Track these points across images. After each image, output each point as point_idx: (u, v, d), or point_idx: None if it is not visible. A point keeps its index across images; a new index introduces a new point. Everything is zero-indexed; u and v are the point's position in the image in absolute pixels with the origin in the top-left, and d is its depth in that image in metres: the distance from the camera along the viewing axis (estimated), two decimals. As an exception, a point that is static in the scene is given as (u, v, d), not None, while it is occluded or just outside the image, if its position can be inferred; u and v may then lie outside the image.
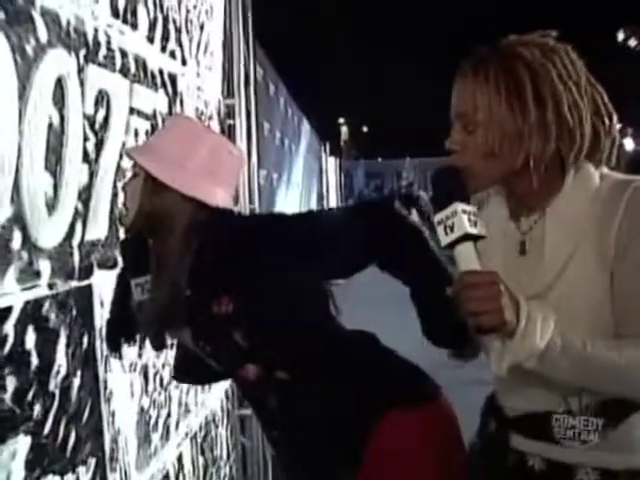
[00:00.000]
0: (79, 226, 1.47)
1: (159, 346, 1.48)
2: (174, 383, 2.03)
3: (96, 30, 1.52)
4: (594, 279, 1.02)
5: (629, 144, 15.89)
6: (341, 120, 34.48)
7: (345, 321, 1.41)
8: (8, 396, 1.21)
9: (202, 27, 2.45)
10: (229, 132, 3.06)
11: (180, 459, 2.15)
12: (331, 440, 1.33)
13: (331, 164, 15.02)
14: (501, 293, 0.95)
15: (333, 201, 14.91)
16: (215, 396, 2.61)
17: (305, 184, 9.40)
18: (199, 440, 2.40)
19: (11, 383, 1.21)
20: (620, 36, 17.48)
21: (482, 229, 0.98)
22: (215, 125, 2.72)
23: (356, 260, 1.33)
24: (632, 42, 17.28)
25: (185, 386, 2.16)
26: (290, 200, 7.20)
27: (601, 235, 1.02)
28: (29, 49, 1.26)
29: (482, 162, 1.06)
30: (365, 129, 36.44)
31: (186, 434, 2.22)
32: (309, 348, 1.32)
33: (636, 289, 1.00)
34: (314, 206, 10.97)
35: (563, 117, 1.02)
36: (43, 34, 1.31)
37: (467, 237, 0.97)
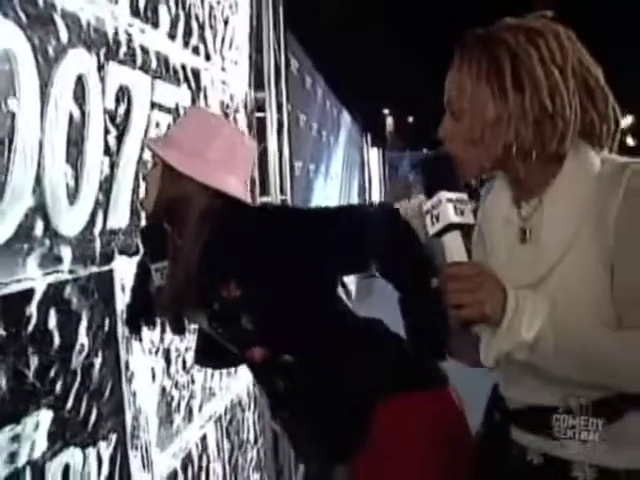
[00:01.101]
0: (100, 215, 1.56)
1: (179, 330, 1.55)
2: (197, 366, 2.12)
3: (116, 29, 1.60)
4: (594, 267, 0.99)
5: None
6: (386, 111, 34.20)
7: (366, 312, 1.44)
8: (31, 372, 1.30)
9: (226, 22, 2.51)
10: (258, 124, 3.12)
11: (204, 440, 2.24)
12: (335, 422, 1.38)
13: (373, 155, 14.96)
14: (482, 285, 0.93)
15: (376, 192, 14.86)
16: (241, 381, 2.70)
17: (345, 176, 9.40)
18: (224, 423, 2.48)
19: (34, 360, 1.31)
20: None
21: (470, 217, 0.96)
22: (242, 117, 2.79)
23: (355, 261, 1.37)
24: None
25: (209, 370, 2.24)
26: (329, 191, 7.24)
27: (601, 221, 0.98)
28: (50, 50, 1.35)
29: (468, 150, 1.04)
30: (411, 119, 36.02)
31: (210, 417, 2.31)
32: (314, 334, 1.37)
33: (637, 280, 0.97)
34: (355, 197, 10.98)
35: (542, 102, 0.99)
36: (64, 35, 1.39)
37: (453, 226, 0.95)
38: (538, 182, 1.05)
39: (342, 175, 8.90)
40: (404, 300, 1.34)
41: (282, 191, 3.52)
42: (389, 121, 35.13)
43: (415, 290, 1.31)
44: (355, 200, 10.94)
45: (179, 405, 2.02)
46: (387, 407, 1.33)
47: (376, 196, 14.68)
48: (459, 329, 1.04)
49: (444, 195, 0.96)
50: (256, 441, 2.95)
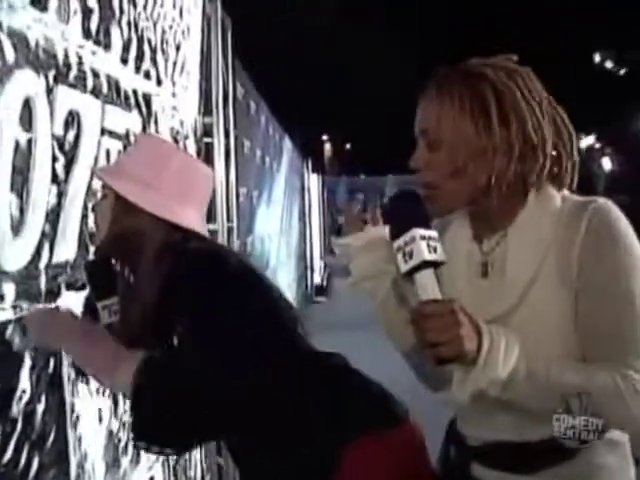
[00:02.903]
0: (46, 248, 1.45)
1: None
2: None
3: (66, 51, 1.51)
4: (557, 300, 1.02)
5: (607, 164, 16.19)
6: (325, 137, 34.69)
7: (325, 343, 1.39)
8: (-33, 423, 1.18)
9: (178, 47, 2.45)
10: (206, 150, 3.06)
11: (151, 483, 2.12)
12: (299, 464, 1.31)
13: (314, 181, 15.04)
14: (459, 323, 0.92)
15: (315, 218, 14.92)
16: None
17: (287, 202, 9.38)
18: (172, 463, 2.36)
19: (-30, 409, 1.19)
20: (597, 58, 17.92)
21: (442, 254, 0.95)
22: (191, 144, 2.72)
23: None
24: (608, 64, 17.73)
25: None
26: (271, 217, 7.19)
27: (563, 256, 1.02)
28: (-5, 70, 1.25)
29: (448, 181, 1.05)
30: (348, 146, 36.67)
31: (157, 457, 2.18)
32: (270, 376, 1.30)
33: (600, 313, 1.00)
34: (295, 223, 10.96)
35: (527, 136, 1.02)
36: (10, 55, 1.30)
37: (426, 264, 0.93)
38: (502, 217, 1.08)
39: (284, 201, 8.88)
40: None
41: (229, 218, 3.46)
42: (327, 147, 35.61)
43: None
44: (296, 226, 10.92)
45: (126, 447, 1.90)
46: (349, 451, 1.27)
47: (315, 222, 14.74)
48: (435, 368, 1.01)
49: (417, 232, 0.94)
50: (203, 478, 2.83)
